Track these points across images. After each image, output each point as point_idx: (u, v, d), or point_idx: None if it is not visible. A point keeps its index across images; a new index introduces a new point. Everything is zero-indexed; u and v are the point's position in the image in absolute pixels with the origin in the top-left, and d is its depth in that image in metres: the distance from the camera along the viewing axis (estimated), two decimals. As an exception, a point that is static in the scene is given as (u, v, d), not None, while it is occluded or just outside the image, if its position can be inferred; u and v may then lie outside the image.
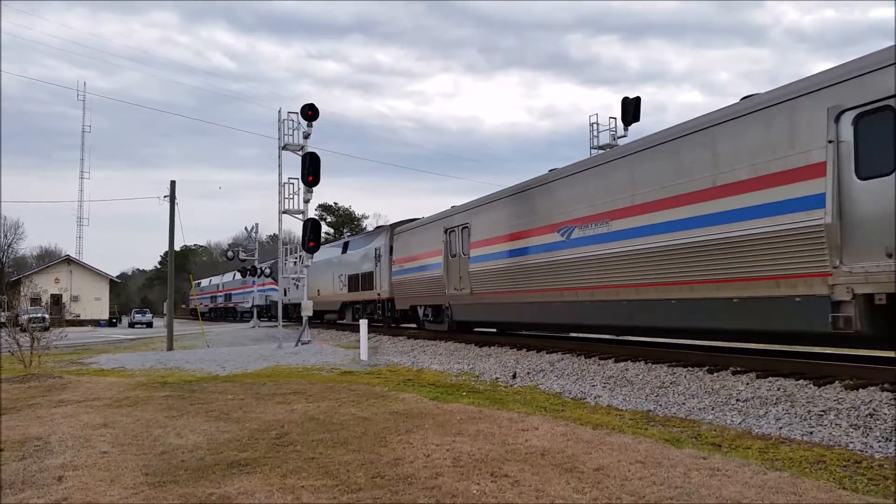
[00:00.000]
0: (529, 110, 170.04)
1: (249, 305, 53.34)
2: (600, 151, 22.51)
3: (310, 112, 22.99)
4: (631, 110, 22.60)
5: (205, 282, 69.01)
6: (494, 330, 20.90)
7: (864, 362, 10.28)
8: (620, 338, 16.36)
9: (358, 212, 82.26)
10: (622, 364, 12.44)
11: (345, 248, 31.49)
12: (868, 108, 8.40)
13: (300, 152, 22.97)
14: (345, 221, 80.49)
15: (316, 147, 23.90)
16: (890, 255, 8.07)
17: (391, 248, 25.52)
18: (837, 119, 8.72)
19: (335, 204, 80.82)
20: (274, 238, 60.97)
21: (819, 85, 9.12)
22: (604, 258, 13.21)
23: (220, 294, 67.01)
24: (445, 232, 20.67)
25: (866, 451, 6.62)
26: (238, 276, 56.12)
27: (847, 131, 8.62)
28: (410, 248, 23.65)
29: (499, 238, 17.51)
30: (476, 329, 21.27)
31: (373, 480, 5.68)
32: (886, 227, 8.14)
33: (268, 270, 39.14)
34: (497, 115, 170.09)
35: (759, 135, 9.90)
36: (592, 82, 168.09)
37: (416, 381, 12.90)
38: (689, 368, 11.21)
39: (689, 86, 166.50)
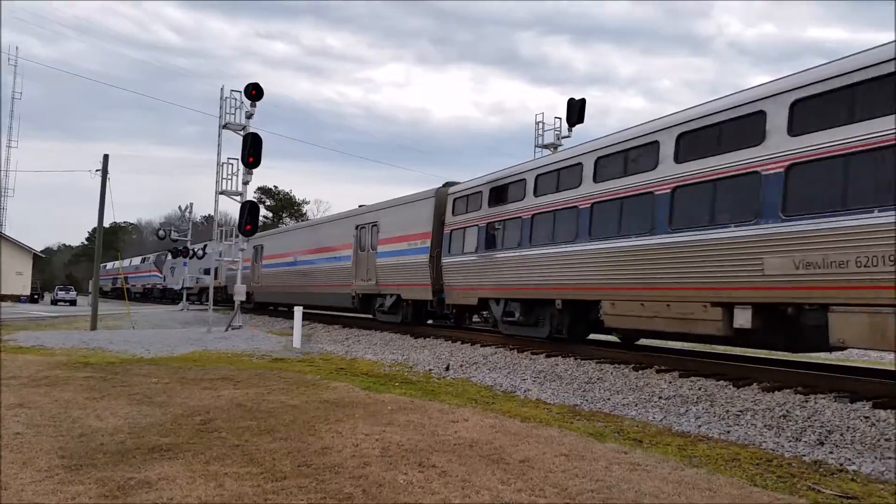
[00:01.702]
0: (478, 105, 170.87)
1: (141, 289, 62.52)
2: (546, 152, 22.85)
3: (254, 91, 22.44)
4: (576, 111, 22.96)
5: (109, 265, 72.43)
6: (284, 308, 32.05)
7: (781, 366, 10.80)
8: (554, 335, 16.87)
9: (299, 197, 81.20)
10: (553, 359, 12.69)
11: None
12: (361, 225, 22.52)
13: (242, 132, 22.44)
14: (284, 206, 79.17)
15: (259, 129, 23.48)
16: (363, 280, 21.73)
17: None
18: (356, 229, 22.75)
19: (275, 188, 79.51)
20: (209, 219, 59.75)
21: (353, 215, 23.59)
22: (304, 271, 27.32)
23: (118, 277, 69.92)
24: (254, 248, 32.46)
25: (777, 450, 6.95)
26: (134, 262, 68.24)
27: (356, 234, 22.63)
28: (250, 253, 35.95)
29: (272, 256, 31.27)
30: (268, 307, 34.38)
31: (299, 469, 5.63)
32: (369, 268, 21.65)
33: (201, 252, 38.12)
34: (446, 107, 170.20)
35: (337, 229, 24.47)
36: (541, 81, 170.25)
37: (348, 371, 12.83)
38: (616, 365, 11.53)
39: (633, 91, 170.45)
